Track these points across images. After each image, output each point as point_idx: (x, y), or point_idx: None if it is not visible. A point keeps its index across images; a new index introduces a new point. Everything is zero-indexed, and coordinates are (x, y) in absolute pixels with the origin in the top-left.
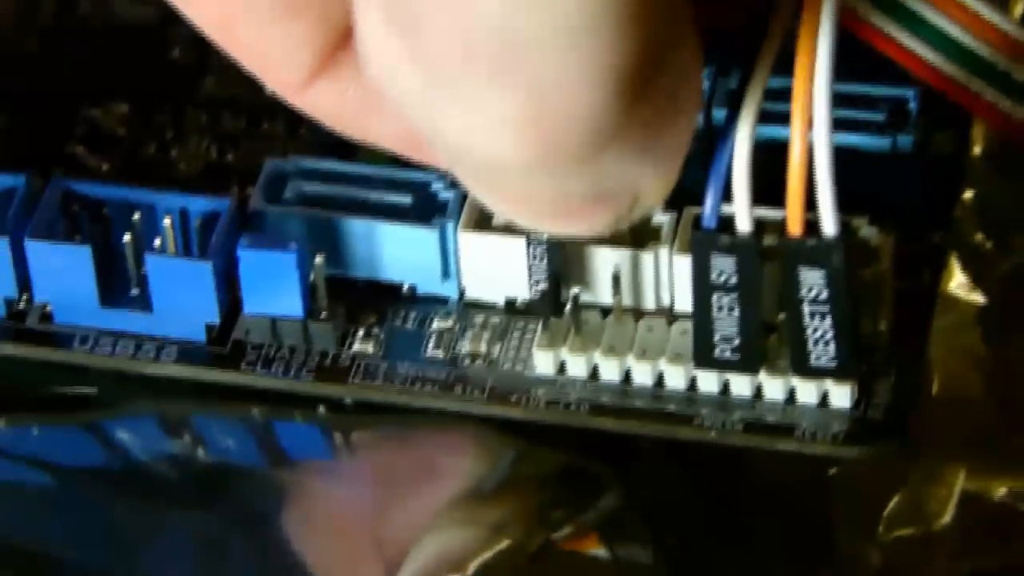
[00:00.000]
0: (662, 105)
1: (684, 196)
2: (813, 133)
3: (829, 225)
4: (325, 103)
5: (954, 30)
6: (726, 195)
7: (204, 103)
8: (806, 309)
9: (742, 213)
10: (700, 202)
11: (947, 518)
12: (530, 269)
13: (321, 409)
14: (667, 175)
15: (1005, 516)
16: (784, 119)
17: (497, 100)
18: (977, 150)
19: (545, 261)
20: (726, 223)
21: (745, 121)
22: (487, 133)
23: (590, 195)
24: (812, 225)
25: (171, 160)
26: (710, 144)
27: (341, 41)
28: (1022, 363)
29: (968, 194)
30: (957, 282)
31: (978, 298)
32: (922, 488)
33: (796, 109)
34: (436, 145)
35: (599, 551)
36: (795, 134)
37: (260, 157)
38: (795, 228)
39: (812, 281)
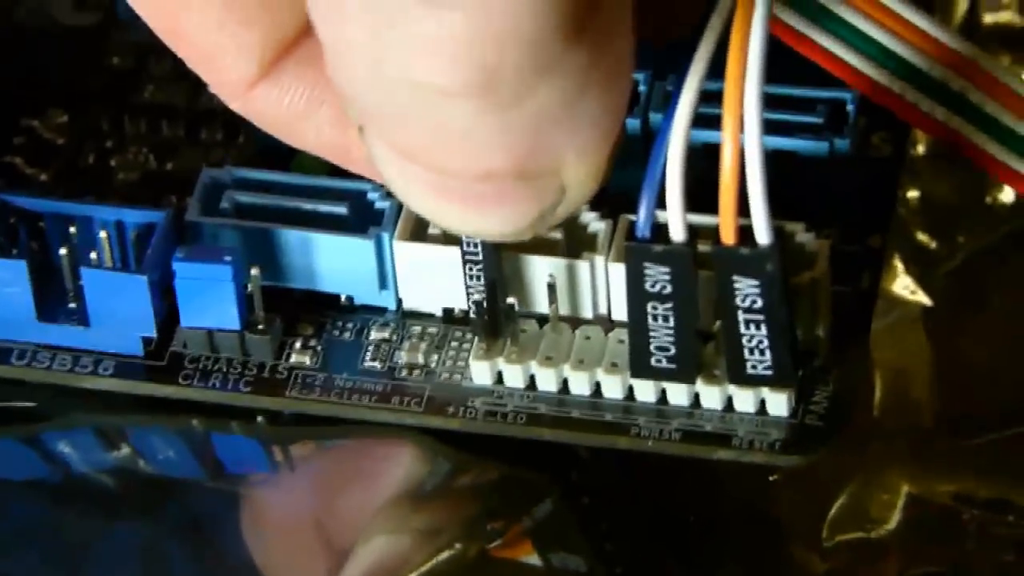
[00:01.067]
0: (595, 56)
1: (620, 203)
2: (745, 139)
3: (763, 234)
4: (265, 108)
5: (888, 40)
6: (660, 202)
7: (143, 111)
8: (741, 317)
9: (676, 221)
10: (635, 210)
11: (892, 523)
12: (466, 281)
13: (260, 420)
14: (595, 156)
15: (949, 519)
16: (716, 124)
17: (437, 22)
18: (920, 148)
19: (480, 273)
20: (660, 231)
21: (679, 125)
22: (426, 58)
23: (519, 158)
24: (746, 232)
25: (110, 169)
26: (647, 150)
27: (287, 48)
28: (966, 364)
29: (912, 193)
30: (901, 283)
31: (922, 298)
32: (865, 493)
33: (727, 115)
34: (373, 105)
35: (533, 559)
36: (727, 141)
37: (199, 165)
38: (728, 237)
39: (747, 289)
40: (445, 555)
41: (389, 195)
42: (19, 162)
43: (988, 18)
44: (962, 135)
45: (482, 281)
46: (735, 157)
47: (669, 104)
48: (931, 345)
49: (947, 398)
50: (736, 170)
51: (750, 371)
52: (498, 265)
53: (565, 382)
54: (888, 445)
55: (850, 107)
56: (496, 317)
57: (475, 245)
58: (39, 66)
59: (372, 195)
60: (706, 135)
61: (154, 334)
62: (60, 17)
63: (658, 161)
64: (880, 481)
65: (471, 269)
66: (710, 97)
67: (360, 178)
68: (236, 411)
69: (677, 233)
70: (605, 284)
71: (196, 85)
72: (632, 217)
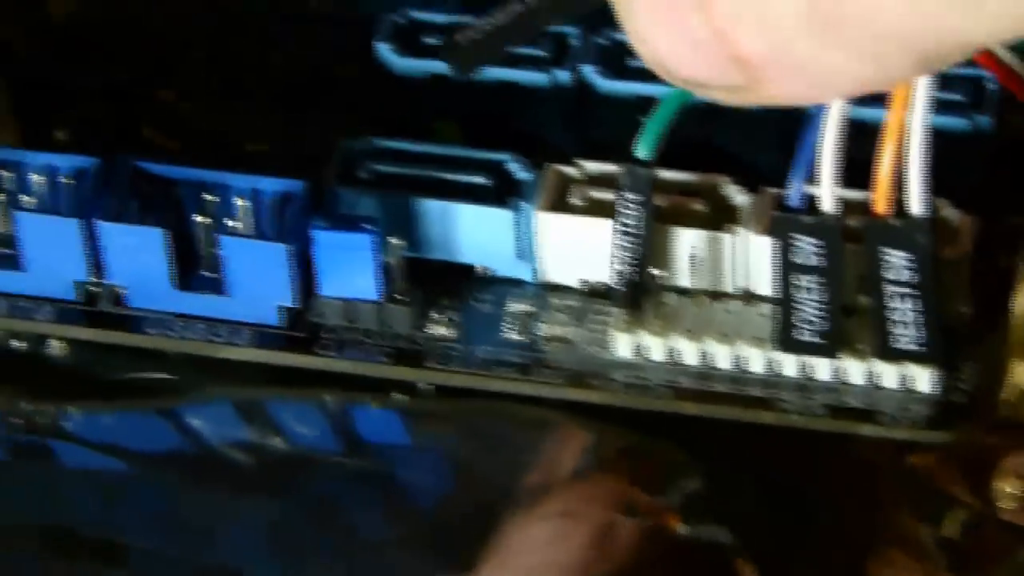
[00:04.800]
0: None
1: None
2: (913, 114)
3: (917, 205)
4: None
5: None
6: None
7: (272, 81)
8: (889, 291)
9: (827, 193)
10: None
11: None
12: (613, 252)
13: (395, 394)
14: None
15: None
16: (868, 100)
17: None
18: None
19: (630, 244)
20: (809, 203)
21: (836, 102)
22: None
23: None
24: (898, 205)
25: (241, 141)
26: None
27: None
28: None
29: None
30: None
31: None
32: (1002, 470)
33: (897, 89)
34: None
35: (679, 531)
36: (894, 114)
37: (331, 138)
38: (882, 207)
39: (896, 262)
40: (592, 531)
41: (530, 166)
42: (152, 134)
43: None
44: None
45: (630, 253)
46: (900, 129)
47: None
48: None
49: None
50: (900, 141)
51: (896, 346)
52: (648, 237)
53: (708, 356)
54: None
55: (991, 85)
56: (640, 289)
57: (631, 216)
58: (170, 43)
59: (512, 166)
60: (858, 112)
61: (292, 304)
62: None
63: (814, 133)
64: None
65: (621, 240)
66: None
67: (501, 149)
68: (373, 383)
69: (828, 204)
70: (748, 257)
71: (327, 53)
72: (775, 190)
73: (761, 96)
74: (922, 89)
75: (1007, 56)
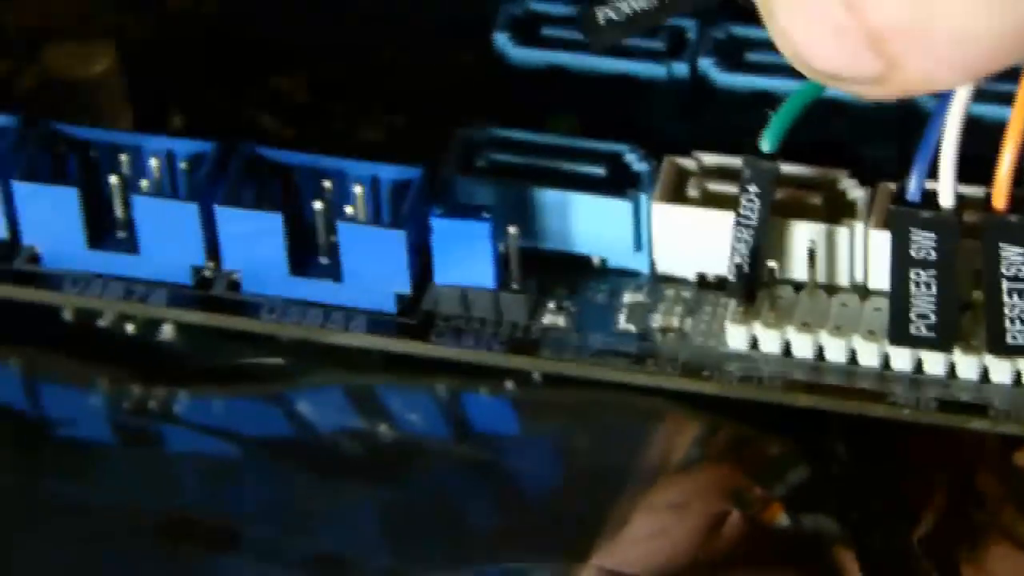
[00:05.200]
0: None
1: (877, 170)
2: None
3: None
4: None
5: None
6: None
7: (388, 69)
8: (1005, 286)
9: (947, 187)
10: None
11: None
12: (732, 244)
13: (508, 383)
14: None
15: None
16: (987, 97)
17: None
18: None
19: (749, 236)
20: (927, 198)
21: (959, 98)
22: None
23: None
24: (1017, 201)
25: (356, 128)
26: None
27: None
28: None
29: None
30: None
31: None
32: None
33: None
34: None
35: (783, 521)
36: (1018, 111)
37: (448, 127)
38: (1000, 203)
39: (1013, 258)
40: (702, 522)
41: (647, 158)
42: (266, 120)
43: None
44: None
45: (747, 245)
46: (1023, 125)
47: None
48: None
49: None
50: (1021, 138)
51: (1010, 341)
52: (766, 229)
53: (821, 349)
54: None
55: None
56: (756, 281)
57: (752, 209)
58: (284, 24)
59: (629, 156)
60: (976, 108)
61: (408, 291)
62: None
63: (935, 128)
64: None
65: (740, 232)
66: None
67: (617, 140)
68: (487, 371)
69: (946, 199)
70: (863, 251)
71: (446, 43)
72: (892, 184)
73: (898, 84)
74: None
75: None
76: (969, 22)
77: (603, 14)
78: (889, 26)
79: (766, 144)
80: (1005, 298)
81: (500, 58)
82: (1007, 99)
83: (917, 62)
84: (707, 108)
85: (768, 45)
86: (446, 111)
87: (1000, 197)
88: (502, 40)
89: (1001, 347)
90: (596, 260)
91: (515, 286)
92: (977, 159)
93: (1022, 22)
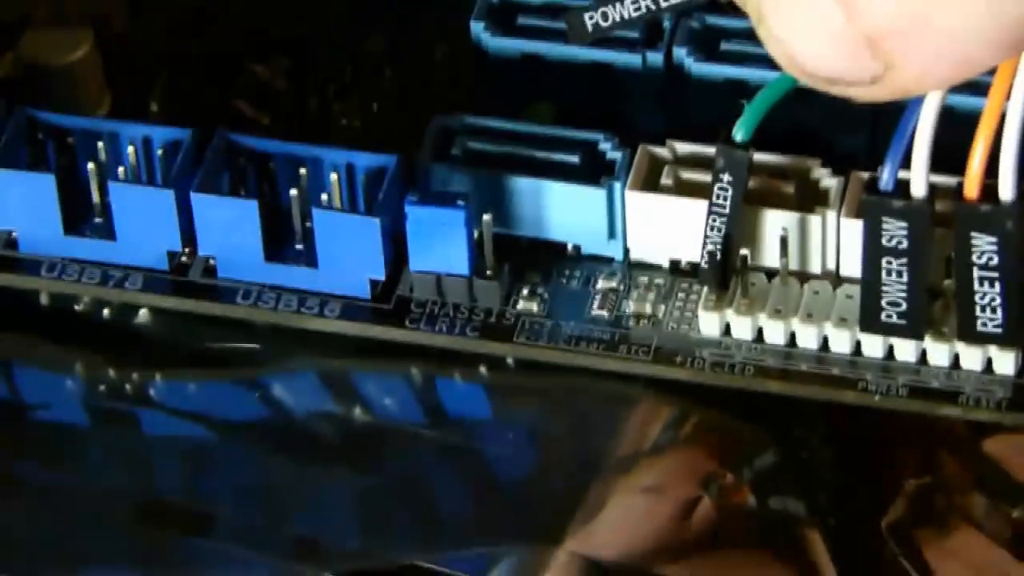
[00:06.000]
0: None
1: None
2: (1010, 100)
3: (1007, 190)
4: None
5: None
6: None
7: (366, 58)
8: (976, 275)
9: (919, 177)
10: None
11: None
12: (705, 232)
13: (482, 368)
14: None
15: None
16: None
17: None
18: None
19: (722, 224)
20: (899, 187)
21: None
22: None
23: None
24: (987, 190)
25: (332, 115)
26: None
27: None
28: None
29: None
30: None
31: None
32: None
33: (999, 79)
34: None
35: (753, 506)
36: (993, 102)
37: (423, 113)
38: (972, 192)
39: (984, 247)
40: (675, 506)
41: (622, 146)
42: (244, 106)
43: None
44: None
45: (720, 233)
46: (996, 116)
47: None
48: None
49: None
50: (994, 128)
51: (980, 328)
52: (739, 217)
53: (793, 335)
54: None
55: None
56: (728, 269)
57: (725, 197)
58: (263, 14)
59: (604, 145)
60: (950, 99)
61: (383, 277)
62: None
63: (910, 118)
64: None
65: (714, 220)
66: None
67: (592, 128)
68: (461, 357)
69: (919, 189)
70: (836, 239)
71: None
72: (865, 173)
73: (895, 84)
74: (1022, 72)
75: None
76: (967, 20)
77: (590, 19)
78: (887, 27)
79: (740, 134)
80: (976, 286)
81: (477, 47)
82: (982, 89)
83: (915, 62)
84: (682, 97)
85: (743, 35)
86: (423, 99)
87: (972, 187)
88: (479, 29)
89: (971, 334)
90: (570, 247)
91: (489, 273)
92: (949, 148)
93: (1019, 17)
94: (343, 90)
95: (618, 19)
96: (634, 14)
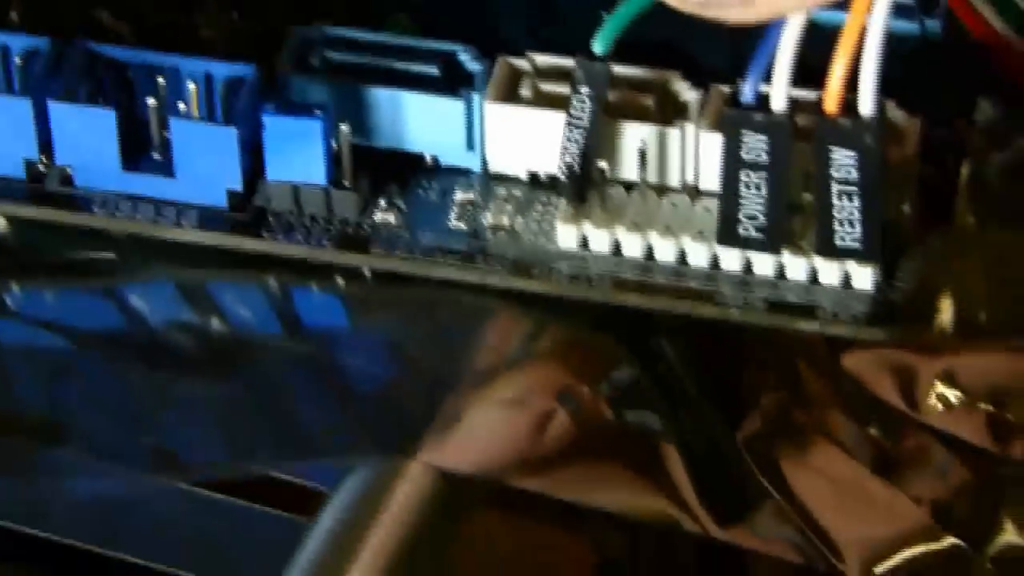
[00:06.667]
0: None
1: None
2: (872, 15)
3: (867, 105)
4: None
5: None
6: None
7: None
8: (835, 189)
9: (780, 92)
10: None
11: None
12: (563, 144)
13: (339, 279)
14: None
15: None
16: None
17: None
18: None
19: (579, 136)
20: (760, 101)
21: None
22: None
23: None
24: (848, 105)
25: (194, 25)
26: None
27: None
28: None
29: None
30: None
31: None
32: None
33: None
34: None
35: (610, 418)
36: (854, 17)
37: (282, 24)
38: (832, 106)
39: (843, 161)
40: (532, 419)
41: (481, 57)
42: (104, 16)
43: None
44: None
45: (578, 145)
46: (858, 30)
47: None
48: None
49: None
50: (855, 42)
51: (838, 243)
52: (597, 130)
53: (651, 248)
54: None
55: None
56: (586, 181)
57: (583, 110)
58: None
59: (463, 56)
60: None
61: (240, 187)
62: None
63: (772, 33)
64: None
65: (572, 133)
66: None
67: (451, 39)
68: (319, 267)
69: (779, 103)
70: (695, 152)
71: None
72: (725, 88)
73: (766, 3)
74: None
75: None
76: None
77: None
78: None
79: (598, 46)
80: (835, 200)
81: None
82: (844, 4)
83: None
84: (544, 8)
85: None
86: (283, 10)
87: (832, 101)
88: None
89: (830, 249)
90: (428, 158)
91: (347, 183)
92: (811, 62)
93: None
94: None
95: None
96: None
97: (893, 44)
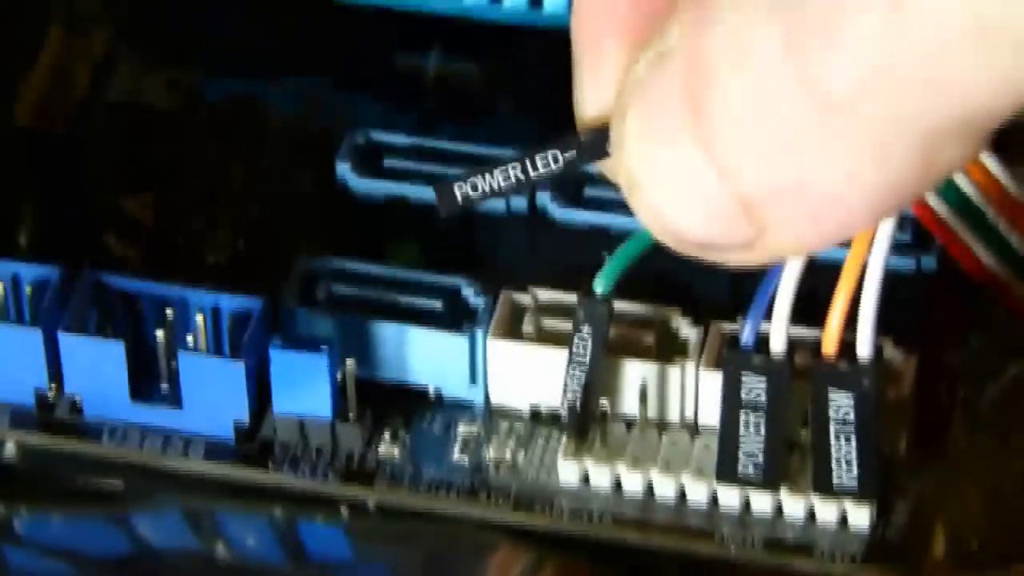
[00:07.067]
0: None
1: (709, 310)
2: (871, 257)
3: (864, 348)
4: None
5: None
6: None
7: (232, 194)
8: (833, 430)
9: (779, 333)
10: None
11: None
12: (565, 381)
13: (344, 511)
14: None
15: None
16: None
17: None
18: None
19: (582, 373)
20: (760, 341)
21: None
22: None
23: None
24: (846, 347)
25: (200, 251)
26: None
27: None
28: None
29: None
30: None
31: None
32: None
33: (860, 235)
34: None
35: None
36: (854, 257)
37: (288, 252)
38: (830, 348)
39: (841, 402)
40: None
41: (484, 292)
42: (111, 241)
43: None
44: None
45: (579, 382)
46: (857, 271)
47: None
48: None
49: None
50: (854, 284)
51: (836, 482)
52: (599, 368)
53: (651, 485)
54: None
55: None
56: (588, 418)
57: (585, 348)
58: (129, 147)
59: (466, 291)
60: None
61: (246, 419)
62: (150, 97)
63: (774, 275)
64: None
65: (573, 370)
66: None
67: (455, 274)
68: (323, 500)
69: (778, 345)
70: (694, 389)
71: (286, 170)
72: (724, 326)
73: (768, 248)
74: (884, 230)
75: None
76: (840, 185)
77: (460, 190)
78: (763, 191)
79: (600, 286)
80: (832, 440)
81: (343, 187)
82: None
83: (789, 226)
84: (546, 243)
85: (607, 180)
86: (288, 238)
87: (830, 343)
88: (344, 170)
89: (827, 488)
90: (432, 391)
91: (351, 416)
92: (809, 298)
93: (894, 181)
94: (211, 226)
95: (487, 190)
96: (503, 184)
97: (890, 281)
